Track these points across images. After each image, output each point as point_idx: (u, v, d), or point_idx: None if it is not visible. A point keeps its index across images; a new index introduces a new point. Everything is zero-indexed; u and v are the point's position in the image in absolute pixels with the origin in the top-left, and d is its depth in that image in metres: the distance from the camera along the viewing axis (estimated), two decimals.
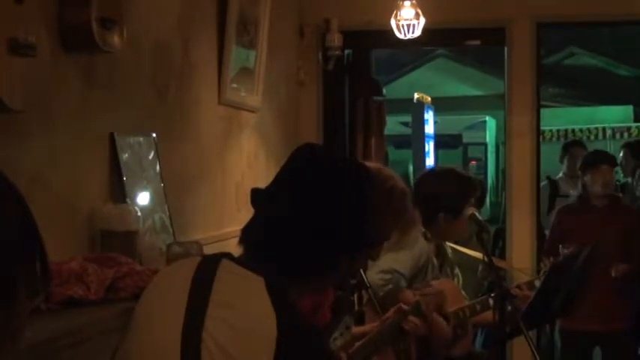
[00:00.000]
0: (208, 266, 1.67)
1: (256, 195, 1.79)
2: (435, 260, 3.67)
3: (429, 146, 10.39)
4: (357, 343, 2.71)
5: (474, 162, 14.69)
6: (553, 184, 7.10)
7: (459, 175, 3.81)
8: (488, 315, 3.47)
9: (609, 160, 5.18)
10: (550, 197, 6.94)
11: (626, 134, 14.83)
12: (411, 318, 2.86)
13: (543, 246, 5.74)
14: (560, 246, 4.76)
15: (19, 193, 1.07)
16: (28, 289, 1.04)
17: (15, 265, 1.02)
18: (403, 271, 3.43)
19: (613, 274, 4.82)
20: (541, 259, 5.03)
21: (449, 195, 3.67)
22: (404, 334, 2.87)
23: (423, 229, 3.62)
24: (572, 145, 7.74)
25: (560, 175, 7.30)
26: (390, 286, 3.36)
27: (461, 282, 3.87)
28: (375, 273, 3.30)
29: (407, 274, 3.46)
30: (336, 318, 2.53)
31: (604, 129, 15.05)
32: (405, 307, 2.90)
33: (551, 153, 7.84)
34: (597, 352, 5.25)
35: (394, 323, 2.84)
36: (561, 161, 7.33)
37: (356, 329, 2.77)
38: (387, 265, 3.39)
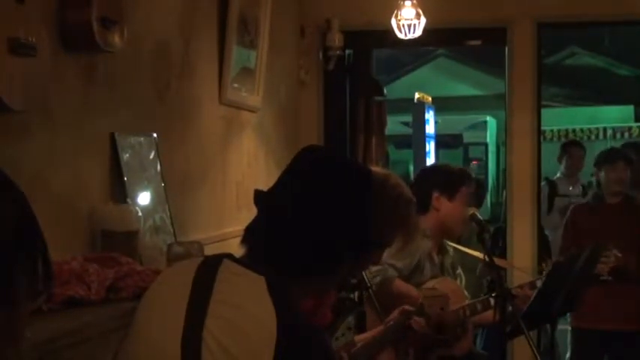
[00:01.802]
0: (209, 266, 1.68)
1: (259, 196, 1.79)
2: (435, 258, 3.68)
3: (430, 146, 10.40)
4: (359, 344, 2.71)
5: (474, 162, 14.70)
6: (551, 184, 7.12)
7: (454, 165, 3.94)
8: (489, 315, 3.48)
9: (625, 157, 5.15)
10: (549, 197, 6.95)
11: (626, 134, 14.85)
12: (416, 318, 2.86)
13: (545, 246, 5.74)
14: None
15: (20, 193, 1.06)
16: (30, 290, 1.04)
17: (15, 265, 1.02)
18: (392, 262, 3.44)
19: (604, 277, 4.72)
20: (542, 259, 5.02)
21: (443, 174, 3.75)
22: (406, 336, 2.87)
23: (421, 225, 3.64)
24: (570, 144, 7.76)
25: (559, 175, 7.32)
26: (379, 277, 3.37)
27: (464, 282, 3.87)
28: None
29: (398, 266, 3.46)
30: (339, 318, 2.53)
31: (604, 129, 15.07)
32: (409, 307, 2.90)
33: (551, 153, 7.85)
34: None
35: (398, 324, 2.84)
36: (560, 161, 7.35)
37: (357, 337, 2.77)
38: None
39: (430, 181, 3.72)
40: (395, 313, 2.89)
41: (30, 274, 1.04)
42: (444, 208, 3.66)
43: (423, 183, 3.75)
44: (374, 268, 3.35)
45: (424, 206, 3.62)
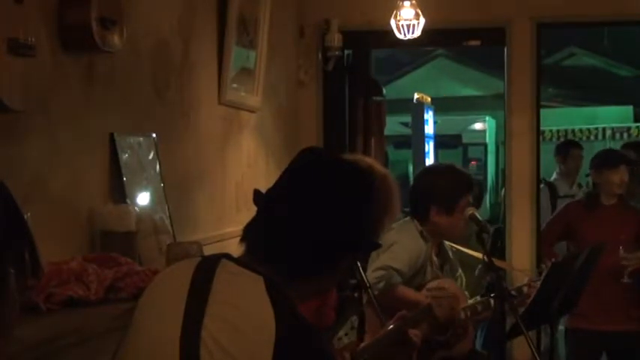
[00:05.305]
0: (208, 266, 1.68)
1: (258, 196, 1.79)
2: (436, 260, 3.68)
3: (429, 146, 10.38)
4: (362, 344, 2.71)
5: (474, 162, 14.68)
6: (551, 186, 7.08)
7: (456, 171, 3.80)
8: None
9: (626, 159, 5.16)
10: (551, 199, 6.92)
11: (625, 134, 14.82)
12: (412, 331, 2.82)
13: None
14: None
15: (5, 189, 1.06)
16: (18, 281, 1.04)
17: (3, 257, 1.02)
18: (398, 267, 3.44)
19: (625, 280, 4.78)
20: (542, 260, 5.02)
21: (442, 188, 3.64)
22: (405, 342, 2.85)
23: (420, 228, 3.63)
24: (570, 145, 7.72)
25: (555, 176, 7.28)
26: (382, 283, 3.36)
27: (464, 283, 3.87)
28: (370, 271, 3.31)
29: (403, 270, 3.46)
30: (342, 318, 2.53)
31: (604, 129, 15.04)
32: (406, 314, 2.86)
33: (550, 153, 7.82)
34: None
35: (397, 331, 2.81)
36: (559, 162, 7.32)
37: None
38: (382, 262, 3.40)
39: (429, 195, 3.63)
40: (394, 319, 2.86)
41: (18, 266, 1.04)
42: (443, 222, 3.61)
43: (421, 194, 3.68)
44: (378, 273, 3.35)
45: (422, 217, 3.62)
